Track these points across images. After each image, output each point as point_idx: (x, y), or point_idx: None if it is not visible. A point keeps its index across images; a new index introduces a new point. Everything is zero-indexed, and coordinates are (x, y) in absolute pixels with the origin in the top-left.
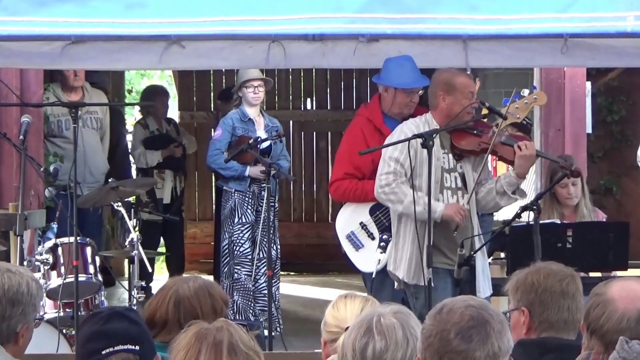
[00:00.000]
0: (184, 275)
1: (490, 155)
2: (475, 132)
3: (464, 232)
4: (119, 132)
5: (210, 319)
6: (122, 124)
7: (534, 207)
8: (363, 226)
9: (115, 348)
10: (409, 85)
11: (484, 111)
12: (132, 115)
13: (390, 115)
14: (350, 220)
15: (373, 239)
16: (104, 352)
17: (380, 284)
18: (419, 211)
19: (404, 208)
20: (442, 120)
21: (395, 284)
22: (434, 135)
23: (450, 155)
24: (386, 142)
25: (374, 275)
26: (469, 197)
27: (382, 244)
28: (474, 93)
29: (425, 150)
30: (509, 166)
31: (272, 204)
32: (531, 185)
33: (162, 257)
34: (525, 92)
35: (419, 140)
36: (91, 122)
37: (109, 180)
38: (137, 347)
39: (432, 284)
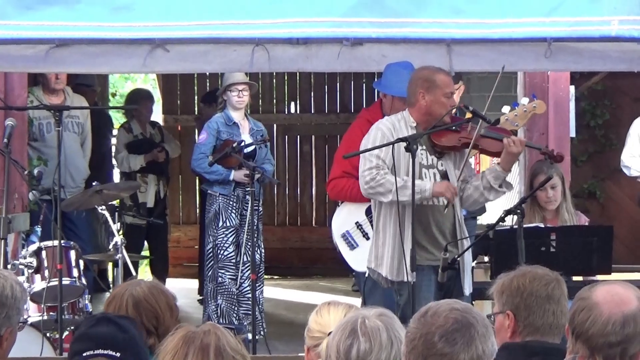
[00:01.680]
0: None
1: (472, 150)
2: (453, 128)
3: (446, 223)
4: (104, 135)
5: (167, 315)
6: (108, 127)
7: (518, 211)
8: (358, 226)
9: (95, 352)
10: (404, 94)
11: (468, 115)
12: (117, 120)
13: None
14: (346, 219)
15: (368, 239)
16: (84, 355)
17: (373, 285)
18: (408, 195)
19: (393, 196)
20: (420, 117)
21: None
22: (417, 140)
23: (428, 152)
24: (364, 140)
25: (367, 275)
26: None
27: None
28: (453, 92)
29: (402, 144)
30: (493, 159)
31: (256, 207)
32: (516, 176)
33: (146, 261)
34: (525, 100)
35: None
36: (72, 126)
37: (93, 184)
38: (118, 355)
39: (416, 280)
